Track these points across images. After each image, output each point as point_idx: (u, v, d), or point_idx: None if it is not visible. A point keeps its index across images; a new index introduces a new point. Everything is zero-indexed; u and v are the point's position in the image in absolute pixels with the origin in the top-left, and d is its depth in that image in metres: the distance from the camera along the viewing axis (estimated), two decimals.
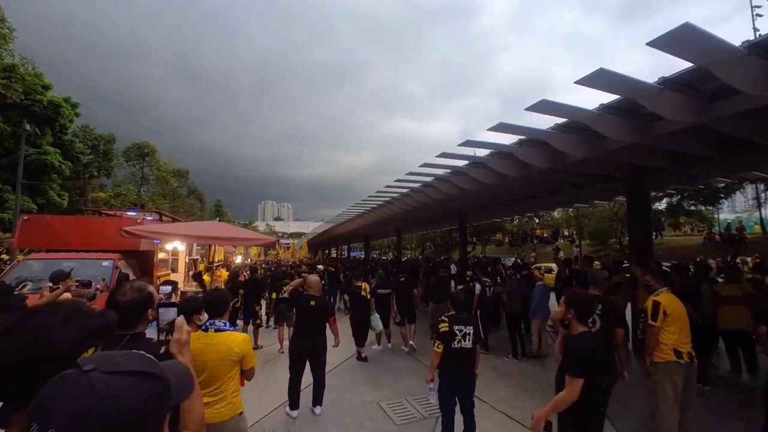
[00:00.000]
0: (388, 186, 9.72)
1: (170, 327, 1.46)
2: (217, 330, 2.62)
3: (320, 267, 8.88)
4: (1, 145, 16.94)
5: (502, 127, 5.58)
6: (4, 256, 10.77)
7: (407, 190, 10.09)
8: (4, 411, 0.83)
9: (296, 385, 4.51)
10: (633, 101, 4.69)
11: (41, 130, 18.26)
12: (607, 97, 4.91)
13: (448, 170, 8.22)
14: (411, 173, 8.35)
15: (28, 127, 14.08)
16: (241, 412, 2.69)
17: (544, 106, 4.88)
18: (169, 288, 4.94)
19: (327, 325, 4.67)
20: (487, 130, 5.80)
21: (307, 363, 4.60)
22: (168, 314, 1.54)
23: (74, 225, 7.57)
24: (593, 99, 5.11)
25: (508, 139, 6.57)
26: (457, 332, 3.49)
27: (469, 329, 3.54)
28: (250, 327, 7.61)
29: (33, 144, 17.86)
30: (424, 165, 7.76)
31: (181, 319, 1.37)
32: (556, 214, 29.41)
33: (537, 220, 28.80)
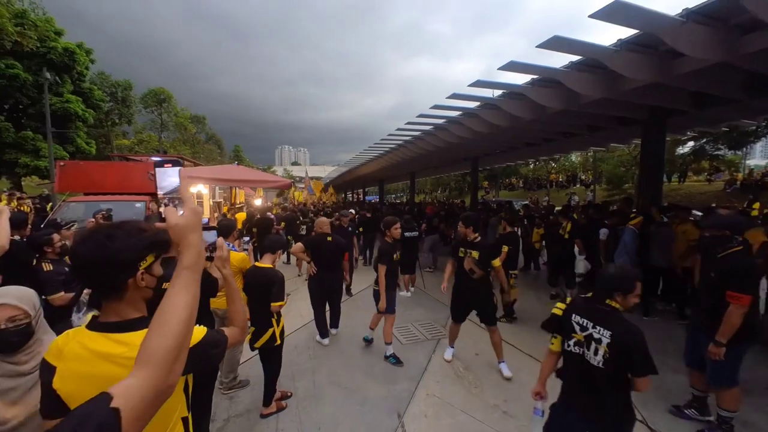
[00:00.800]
0: (399, 129, 9.75)
1: (213, 247, 1.56)
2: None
3: (351, 212, 8.65)
4: (26, 94, 17.37)
5: (513, 66, 5.48)
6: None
7: (420, 133, 10.09)
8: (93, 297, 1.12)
9: (322, 318, 4.84)
10: (653, 36, 4.41)
11: (60, 78, 18.52)
12: (626, 32, 4.61)
13: (461, 113, 8.16)
14: (422, 115, 8.34)
15: (48, 75, 14.32)
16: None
17: (556, 43, 4.64)
18: (214, 235, 5.58)
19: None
20: (498, 69, 5.57)
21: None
22: (209, 236, 1.62)
23: (106, 170, 8.11)
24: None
25: (523, 80, 6.32)
26: (578, 330, 1.99)
27: (605, 335, 1.87)
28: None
29: (55, 92, 18.22)
30: (435, 107, 7.73)
31: (221, 240, 1.54)
32: (574, 158, 28.56)
33: (553, 164, 28.10)
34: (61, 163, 7.83)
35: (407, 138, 10.89)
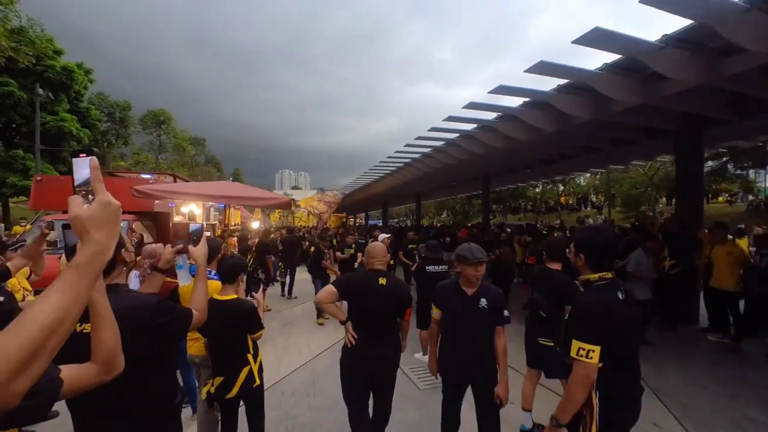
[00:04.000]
0: (408, 145, 9.15)
1: (196, 237, 1.82)
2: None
3: (384, 236, 7.06)
4: (19, 113, 16.93)
5: (502, 90, 5.03)
6: (18, 228, 10.71)
7: (429, 150, 9.50)
8: None
9: (362, 423, 2.71)
10: (637, 60, 4.38)
11: (56, 97, 18.12)
12: (673, 26, 4.29)
13: (475, 126, 7.60)
14: (434, 128, 7.76)
15: (41, 91, 13.85)
16: None
17: (543, 68, 4.69)
18: (198, 226, 4.78)
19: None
20: (488, 92, 5.56)
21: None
22: (194, 228, 1.81)
23: None
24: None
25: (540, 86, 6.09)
26: None
27: None
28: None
29: (50, 111, 17.80)
30: (449, 119, 7.14)
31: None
32: (582, 181, 28.16)
33: (562, 187, 27.58)
34: (38, 178, 7.12)
35: (415, 156, 10.31)
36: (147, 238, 7.04)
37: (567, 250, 2.58)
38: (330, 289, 2.56)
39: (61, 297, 0.69)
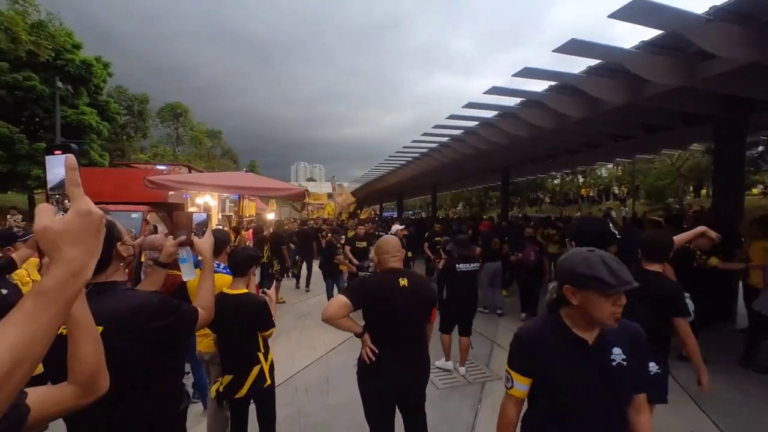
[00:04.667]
0: (425, 134, 8.85)
1: (202, 228, 1.72)
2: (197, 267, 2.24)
3: (398, 227, 6.96)
4: (42, 106, 17.27)
5: (574, 46, 4.55)
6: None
7: (447, 139, 9.19)
8: None
9: None
10: (679, 36, 3.94)
11: (76, 90, 18.43)
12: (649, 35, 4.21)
13: (496, 112, 7.26)
14: (453, 116, 7.43)
15: (60, 84, 14.07)
16: None
17: (573, 47, 4.31)
18: (204, 216, 4.68)
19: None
20: (512, 75, 5.21)
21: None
22: (199, 218, 1.75)
23: (103, 177, 7.43)
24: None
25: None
26: None
27: None
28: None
29: (70, 104, 18.12)
30: (469, 105, 6.81)
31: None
32: (604, 172, 27.23)
33: (582, 179, 26.73)
34: None
35: (432, 146, 10.00)
36: (161, 229, 7.02)
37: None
38: (340, 300, 2.06)
39: (21, 332, 0.56)
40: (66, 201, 0.70)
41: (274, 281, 7.52)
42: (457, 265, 4.17)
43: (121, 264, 1.45)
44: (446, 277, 4.32)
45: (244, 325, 2.34)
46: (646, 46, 4.58)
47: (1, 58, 15.85)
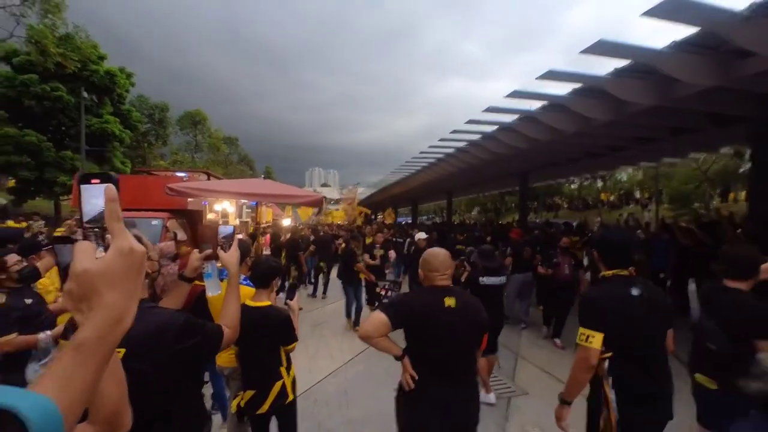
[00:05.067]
0: (442, 139, 8.74)
1: (228, 241, 1.64)
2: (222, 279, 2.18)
3: (421, 236, 6.60)
4: (68, 116, 17.88)
5: (602, 47, 4.40)
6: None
7: (464, 144, 9.05)
8: None
9: None
10: (712, 35, 3.80)
11: (100, 100, 19.03)
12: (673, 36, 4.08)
13: (516, 116, 7.10)
14: (472, 121, 7.30)
15: (86, 94, 14.55)
16: None
17: (602, 48, 4.16)
18: (230, 228, 4.70)
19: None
20: (537, 78, 5.04)
21: None
22: (225, 230, 1.71)
23: (123, 184, 7.47)
24: None
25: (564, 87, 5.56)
26: None
27: None
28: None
29: (95, 113, 18.71)
30: (489, 110, 6.69)
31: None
32: (624, 176, 26.52)
33: (601, 183, 26.07)
34: (77, 176, 7.31)
35: (449, 151, 9.87)
36: (180, 235, 7.08)
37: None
38: (379, 318, 1.85)
39: (60, 393, 0.49)
40: (106, 236, 0.63)
41: (295, 292, 7.51)
42: (480, 278, 3.86)
43: (145, 280, 1.39)
44: (468, 290, 3.97)
45: (267, 339, 2.27)
46: (678, 46, 4.39)
47: (31, 70, 16.53)
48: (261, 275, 2.33)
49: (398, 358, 1.95)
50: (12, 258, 2.55)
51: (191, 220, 7.90)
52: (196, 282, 2.14)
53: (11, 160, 16.47)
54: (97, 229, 0.67)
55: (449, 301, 1.90)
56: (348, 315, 6.23)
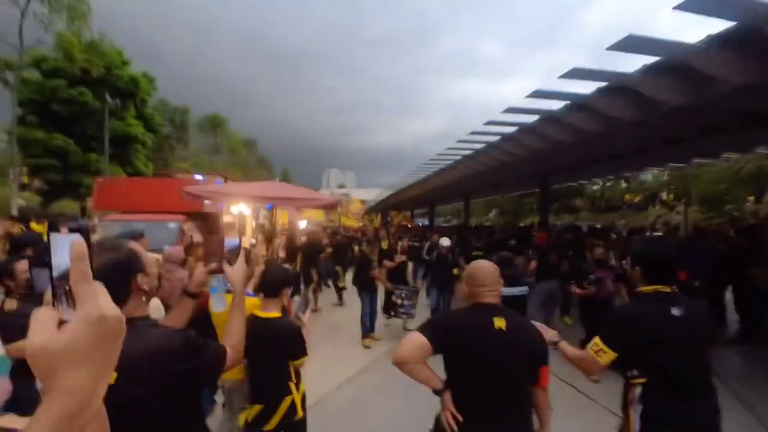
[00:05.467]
0: (460, 141, 8.55)
1: (234, 255, 1.56)
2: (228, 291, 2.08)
3: (445, 243, 6.22)
4: (93, 119, 18.47)
5: (631, 43, 4.15)
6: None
7: (483, 146, 8.84)
8: None
9: None
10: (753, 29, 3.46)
11: (124, 104, 19.58)
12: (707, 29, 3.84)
13: (536, 117, 6.86)
14: (491, 122, 7.10)
15: (110, 99, 14.99)
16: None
17: (631, 44, 3.91)
18: (236, 241, 4.66)
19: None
20: (559, 78, 4.82)
21: None
22: (231, 243, 1.58)
23: (142, 187, 7.69)
24: None
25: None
26: None
27: None
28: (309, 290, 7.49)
29: (118, 117, 19.28)
30: (508, 110, 6.48)
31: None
32: (649, 177, 25.58)
33: (625, 184, 25.23)
34: (99, 180, 7.48)
35: (466, 152, 9.66)
36: (197, 238, 7.13)
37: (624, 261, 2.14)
38: (417, 340, 1.58)
39: None
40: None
41: (311, 293, 7.45)
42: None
43: (144, 298, 1.30)
44: None
45: (276, 352, 2.18)
46: (715, 41, 4.10)
47: (59, 75, 17.16)
48: (270, 285, 2.24)
49: (437, 393, 1.66)
50: (22, 265, 2.55)
51: (207, 222, 7.97)
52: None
53: (40, 162, 17.12)
54: (66, 288, 0.57)
55: (499, 322, 1.61)
56: (363, 324, 5.79)
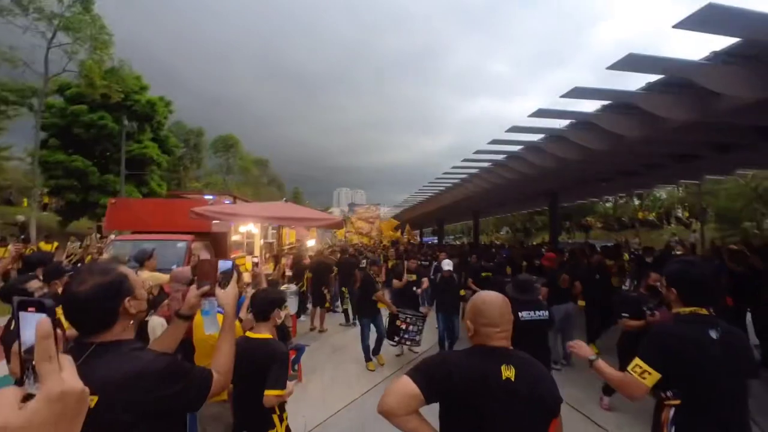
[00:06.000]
0: (466, 159, 8.58)
1: (227, 278, 1.53)
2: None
3: (447, 266, 5.62)
4: (111, 142, 19.14)
5: (632, 62, 4.15)
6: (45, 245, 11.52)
7: (489, 164, 8.84)
8: None
9: None
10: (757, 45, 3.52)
11: (141, 127, 20.29)
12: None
13: (542, 135, 6.87)
14: (495, 141, 7.12)
15: (127, 122, 15.57)
16: (224, 400, 2.34)
17: (631, 62, 3.90)
18: (229, 263, 4.64)
19: None
20: (561, 96, 4.90)
21: None
22: (224, 265, 1.57)
23: (152, 208, 7.85)
24: None
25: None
26: None
27: None
28: (318, 310, 7.44)
29: (135, 140, 19.93)
30: (512, 129, 6.49)
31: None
32: (663, 194, 25.11)
33: (638, 201, 24.77)
34: (112, 201, 7.69)
35: (473, 171, 9.68)
36: (204, 256, 7.20)
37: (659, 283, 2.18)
38: (405, 388, 1.33)
39: None
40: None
41: (318, 309, 7.38)
42: (519, 313, 3.14)
43: (131, 322, 1.30)
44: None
45: (262, 377, 2.08)
46: (720, 57, 4.08)
47: (81, 101, 17.93)
48: (260, 307, 2.21)
49: None
50: (34, 284, 2.61)
51: (215, 242, 8.05)
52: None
53: (60, 183, 17.71)
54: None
55: (508, 372, 1.35)
56: (364, 349, 5.45)
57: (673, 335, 1.71)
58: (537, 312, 3.25)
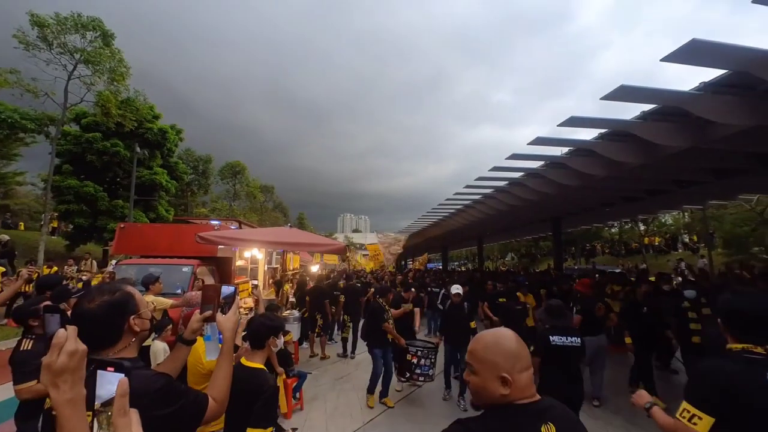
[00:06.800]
0: (468, 186, 8.70)
1: (228, 303, 1.55)
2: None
3: (456, 291, 5.45)
4: (123, 168, 19.63)
5: (624, 92, 4.30)
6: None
7: (491, 190, 8.95)
8: None
9: None
10: (747, 75, 3.61)
11: (152, 154, 20.83)
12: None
13: (543, 163, 7.00)
14: (496, 168, 7.25)
15: (138, 150, 15.99)
16: (221, 429, 2.22)
17: (623, 93, 4.06)
18: (231, 289, 4.67)
19: None
20: (558, 125, 4.95)
21: None
22: (227, 291, 1.60)
23: (159, 232, 7.98)
24: None
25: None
26: None
27: None
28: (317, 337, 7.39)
29: (146, 166, 20.42)
30: (512, 157, 6.63)
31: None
32: (669, 219, 24.93)
33: (643, 227, 24.59)
34: (121, 225, 7.83)
35: (476, 197, 9.78)
36: (208, 281, 7.25)
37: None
38: None
39: None
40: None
41: (316, 336, 7.33)
42: (551, 338, 3.07)
43: (133, 339, 1.36)
44: (536, 353, 3.12)
45: (251, 407, 2.02)
46: (710, 87, 4.23)
47: (95, 129, 18.54)
48: (255, 334, 2.16)
49: None
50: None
51: (220, 266, 8.13)
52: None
53: (71, 208, 18.05)
54: (110, 413, 0.74)
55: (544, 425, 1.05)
56: (372, 384, 5.09)
57: (722, 372, 1.51)
58: (569, 338, 3.11)
